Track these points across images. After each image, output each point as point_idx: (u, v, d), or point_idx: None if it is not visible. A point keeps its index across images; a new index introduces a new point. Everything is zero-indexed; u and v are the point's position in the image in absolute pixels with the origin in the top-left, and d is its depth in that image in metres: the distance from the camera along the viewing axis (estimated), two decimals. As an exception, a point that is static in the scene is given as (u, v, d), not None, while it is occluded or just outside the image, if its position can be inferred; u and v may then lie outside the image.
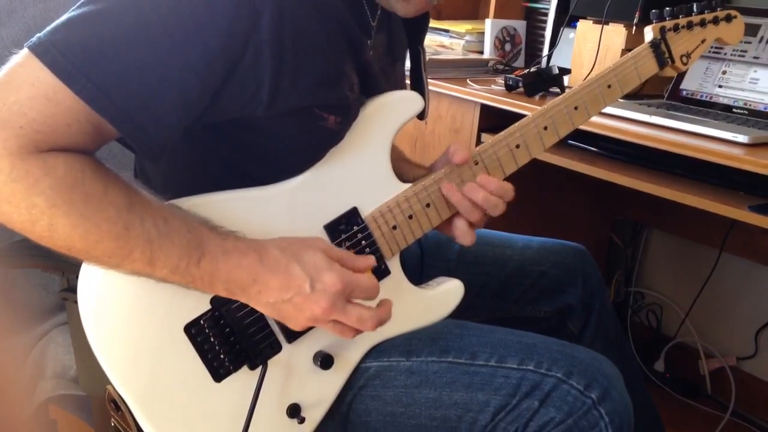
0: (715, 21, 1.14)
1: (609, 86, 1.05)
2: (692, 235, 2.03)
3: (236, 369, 0.89)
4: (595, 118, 1.42)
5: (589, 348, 0.98)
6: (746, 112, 1.47)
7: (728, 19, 1.15)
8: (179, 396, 0.88)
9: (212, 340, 0.88)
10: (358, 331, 0.86)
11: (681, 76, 1.59)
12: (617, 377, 0.93)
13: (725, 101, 1.51)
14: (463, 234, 0.99)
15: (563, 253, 1.24)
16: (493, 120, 1.66)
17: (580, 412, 0.88)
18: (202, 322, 0.87)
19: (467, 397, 0.92)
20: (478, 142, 1.70)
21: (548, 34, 1.89)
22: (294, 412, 0.92)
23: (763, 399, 1.96)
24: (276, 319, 0.87)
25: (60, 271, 1.01)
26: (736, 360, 2.01)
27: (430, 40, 2.14)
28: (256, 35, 0.78)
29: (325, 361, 0.91)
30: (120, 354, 0.86)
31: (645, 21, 1.14)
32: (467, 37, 2.08)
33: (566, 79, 1.67)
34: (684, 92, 1.58)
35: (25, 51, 0.73)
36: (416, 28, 1.06)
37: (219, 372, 0.88)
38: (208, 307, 0.87)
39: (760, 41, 1.50)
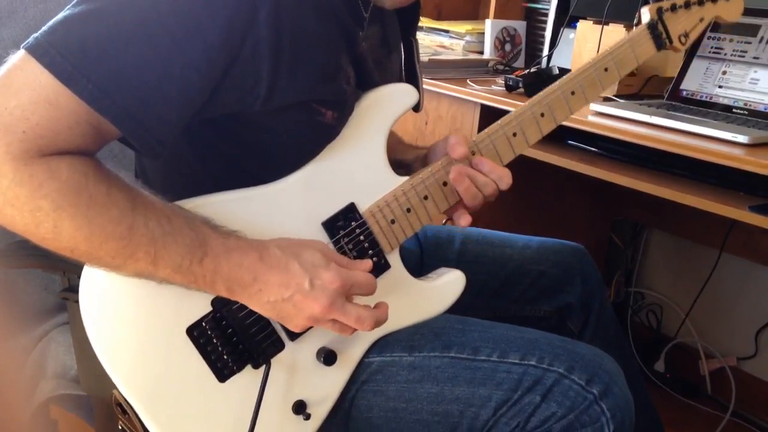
0: None
1: (606, 69, 1.03)
2: (692, 236, 2.03)
3: (240, 369, 0.89)
4: (595, 119, 1.43)
5: (590, 345, 0.98)
6: (746, 112, 1.47)
7: None
8: (184, 398, 0.88)
9: (215, 341, 0.88)
10: (356, 329, 0.86)
11: (681, 76, 1.59)
12: (618, 373, 0.93)
13: (725, 101, 1.51)
14: (467, 223, 0.99)
15: (563, 253, 1.24)
16: (494, 120, 1.66)
17: (582, 407, 0.89)
18: (203, 323, 0.87)
19: (469, 392, 0.92)
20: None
21: (548, 34, 1.90)
22: (299, 408, 0.92)
23: (764, 399, 1.96)
24: (276, 320, 0.87)
25: (60, 271, 1.01)
26: (737, 360, 2.01)
27: (430, 41, 2.14)
28: (254, 30, 0.78)
29: (328, 357, 0.91)
30: (124, 358, 0.86)
31: (645, 20, 1.14)
32: (467, 38, 2.09)
33: (566, 80, 1.67)
34: (684, 92, 1.58)
35: (22, 53, 0.73)
36: (407, 19, 1.06)
37: (223, 372, 0.89)
38: (210, 308, 0.87)
39: (760, 41, 1.50)
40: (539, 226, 1.84)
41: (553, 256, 1.23)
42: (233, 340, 0.88)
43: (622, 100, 1.56)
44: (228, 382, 0.89)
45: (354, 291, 0.85)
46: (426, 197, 0.97)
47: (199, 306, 0.87)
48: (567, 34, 1.81)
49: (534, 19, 2.09)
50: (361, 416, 0.96)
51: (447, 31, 2.14)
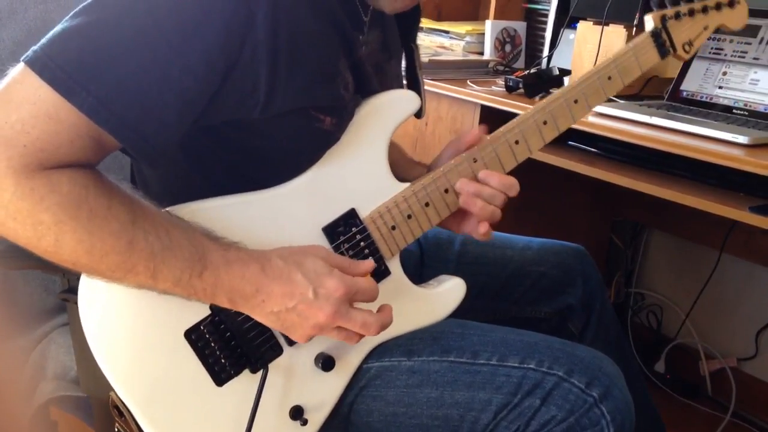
0: (718, 7, 1.12)
1: (609, 78, 1.03)
2: (692, 236, 2.03)
3: (237, 373, 0.89)
4: (595, 119, 1.43)
5: (590, 348, 0.98)
6: (746, 113, 1.47)
7: (731, 4, 1.13)
8: (182, 401, 0.88)
9: (213, 345, 0.88)
10: (362, 336, 0.86)
11: (681, 77, 1.59)
12: (618, 376, 0.93)
13: (725, 102, 1.51)
14: (485, 232, 0.99)
15: (563, 254, 1.24)
16: (494, 121, 1.65)
17: (582, 410, 0.89)
18: (202, 327, 0.87)
19: (469, 396, 0.92)
20: (479, 143, 1.70)
21: (548, 35, 1.89)
22: (296, 414, 0.92)
23: (764, 400, 1.96)
24: (280, 331, 0.87)
25: (60, 272, 1.01)
26: (737, 361, 2.01)
27: (430, 41, 2.14)
28: (252, 34, 0.78)
29: (326, 363, 0.91)
30: (122, 361, 0.86)
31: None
32: (467, 38, 2.09)
33: (566, 80, 1.67)
34: (684, 93, 1.58)
35: (22, 66, 0.73)
36: (407, 24, 1.06)
37: (220, 376, 0.88)
38: (208, 312, 0.87)
39: (761, 42, 1.50)
40: (539, 226, 1.84)
41: (554, 258, 1.23)
42: (231, 344, 0.88)
43: (622, 101, 1.55)
44: (225, 386, 0.89)
45: (357, 297, 0.85)
46: (427, 204, 0.97)
47: (198, 310, 0.87)
48: (567, 35, 1.81)
49: (534, 19, 2.09)
50: (361, 421, 0.96)
51: (447, 32, 2.13)
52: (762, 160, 1.18)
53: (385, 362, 0.95)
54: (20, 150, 0.71)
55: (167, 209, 0.85)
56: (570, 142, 1.52)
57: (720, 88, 1.53)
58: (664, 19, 1.07)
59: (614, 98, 1.58)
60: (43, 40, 0.74)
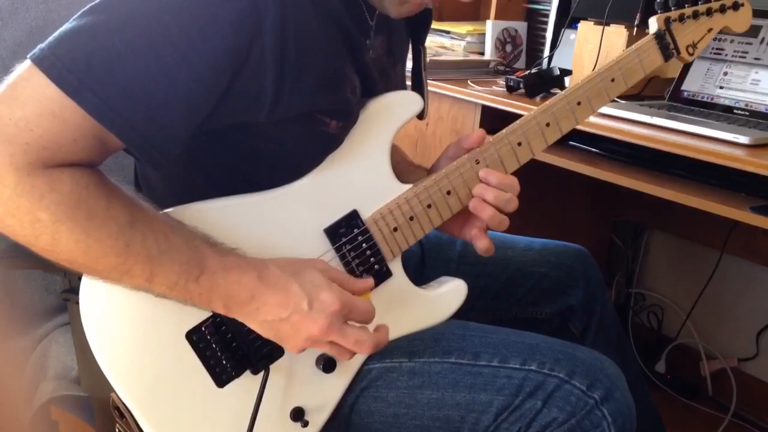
0: (722, 9, 1.12)
1: (613, 80, 1.03)
2: (693, 237, 2.03)
3: (239, 374, 0.89)
4: (596, 119, 1.43)
5: (591, 349, 0.98)
6: (747, 113, 1.46)
7: (735, 6, 1.13)
8: (183, 402, 0.88)
9: (214, 346, 0.88)
10: (354, 353, 0.86)
11: (682, 77, 1.59)
12: (620, 377, 0.93)
13: (726, 102, 1.51)
14: (486, 250, 1.00)
15: (564, 255, 1.24)
16: (495, 121, 1.66)
17: (583, 412, 0.89)
18: (203, 328, 0.87)
19: (470, 397, 0.92)
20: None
21: (549, 35, 1.89)
22: (297, 415, 0.92)
23: (764, 400, 1.96)
24: (274, 340, 0.87)
25: (61, 272, 1.01)
26: (737, 361, 2.01)
27: (431, 42, 2.14)
28: (259, 41, 0.78)
29: (327, 364, 0.91)
30: (123, 362, 0.86)
31: (646, 22, 1.13)
32: (468, 39, 2.08)
33: (567, 80, 1.67)
34: (685, 93, 1.58)
35: (28, 63, 0.73)
36: (419, 26, 1.06)
37: (222, 378, 0.89)
38: (209, 313, 0.87)
39: (761, 42, 1.50)
40: (540, 227, 1.84)
41: (555, 258, 1.23)
42: (233, 345, 0.88)
43: (623, 101, 1.55)
44: (226, 387, 0.89)
45: (352, 316, 0.85)
46: (429, 205, 0.97)
47: (199, 311, 0.87)
48: (568, 35, 1.81)
49: (535, 20, 2.09)
50: (362, 422, 0.96)
51: (448, 32, 2.13)
52: (763, 160, 1.18)
53: (386, 363, 0.95)
54: (23, 147, 0.71)
55: (169, 210, 0.85)
56: (571, 142, 1.52)
57: (721, 88, 1.53)
58: (668, 22, 1.07)
59: (615, 98, 1.58)
60: (51, 39, 0.74)
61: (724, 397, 2.01)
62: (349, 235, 0.93)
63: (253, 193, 0.89)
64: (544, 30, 1.98)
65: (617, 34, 1.62)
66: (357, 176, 0.93)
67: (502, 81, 1.73)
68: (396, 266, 0.97)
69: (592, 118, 1.43)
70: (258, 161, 0.91)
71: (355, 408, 0.96)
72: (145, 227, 0.78)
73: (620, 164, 1.45)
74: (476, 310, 1.16)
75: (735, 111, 1.48)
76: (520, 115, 1.01)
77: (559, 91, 1.63)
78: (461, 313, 1.01)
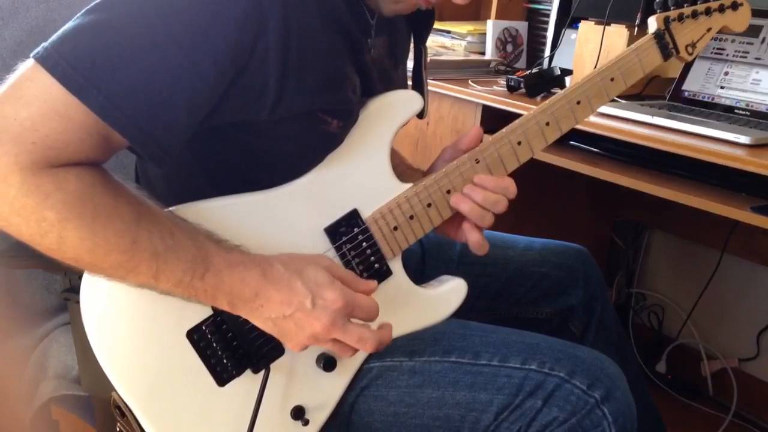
0: (721, 9, 1.12)
1: (612, 79, 1.02)
2: (694, 236, 2.03)
3: (239, 373, 0.89)
4: (596, 119, 1.43)
5: (591, 349, 0.98)
6: (748, 113, 1.46)
7: (734, 6, 1.13)
8: (183, 401, 0.88)
9: (215, 345, 0.88)
10: (357, 350, 0.86)
11: (683, 77, 1.59)
12: (620, 377, 0.93)
13: (727, 102, 1.51)
14: (479, 245, 0.98)
15: (565, 255, 1.24)
16: (495, 121, 1.66)
17: (584, 411, 0.89)
18: (204, 327, 0.87)
19: (470, 396, 0.92)
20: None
21: (550, 35, 1.89)
22: (298, 414, 0.92)
23: (765, 400, 1.96)
24: (277, 338, 0.87)
25: (62, 271, 1.01)
26: (738, 361, 2.01)
27: (432, 41, 2.14)
28: (263, 39, 0.78)
29: (327, 363, 0.91)
30: (123, 361, 0.86)
31: (647, 22, 1.13)
32: (469, 38, 2.08)
33: (568, 80, 1.67)
34: (686, 93, 1.58)
35: (32, 62, 0.73)
36: (421, 26, 1.06)
37: (222, 376, 0.89)
38: (210, 312, 0.87)
39: (762, 42, 1.50)
40: (541, 226, 1.84)
41: (555, 258, 1.23)
42: (233, 344, 0.88)
43: (624, 101, 1.55)
44: (227, 386, 0.89)
45: (356, 313, 0.85)
46: (429, 204, 0.97)
47: (200, 310, 0.87)
48: (569, 35, 1.81)
49: (535, 19, 2.09)
50: (362, 421, 0.96)
51: (448, 32, 2.13)
52: (764, 160, 1.18)
53: (386, 362, 0.95)
54: (28, 147, 0.71)
55: (171, 209, 0.85)
56: (571, 142, 1.52)
57: (722, 88, 1.53)
58: (667, 21, 1.07)
59: (616, 98, 1.58)
60: (54, 37, 0.74)
61: (725, 397, 2.01)
62: (349, 234, 0.93)
63: (252, 193, 0.89)
64: (545, 30, 1.98)
65: (618, 33, 1.62)
66: (357, 175, 0.93)
67: (502, 81, 1.73)
68: (396, 265, 0.97)
69: (593, 118, 1.43)
70: (259, 160, 0.91)
71: (355, 407, 0.96)
72: (151, 225, 0.78)
73: (621, 164, 1.45)
74: (476, 310, 1.16)
75: (736, 111, 1.48)
76: (521, 115, 1.01)
77: (559, 91, 1.64)
78: (461, 313, 1.01)
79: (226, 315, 0.87)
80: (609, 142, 1.45)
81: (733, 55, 1.53)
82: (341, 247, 0.92)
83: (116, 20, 0.74)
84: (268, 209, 0.90)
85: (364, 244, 0.93)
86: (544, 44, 1.96)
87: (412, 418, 0.94)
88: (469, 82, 1.77)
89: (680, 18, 1.08)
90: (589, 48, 1.67)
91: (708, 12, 1.10)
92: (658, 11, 1.08)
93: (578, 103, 1.01)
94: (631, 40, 1.60)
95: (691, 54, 1.10)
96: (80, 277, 0.86)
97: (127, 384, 0.86)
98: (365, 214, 0.94)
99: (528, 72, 1.69)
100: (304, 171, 0.91)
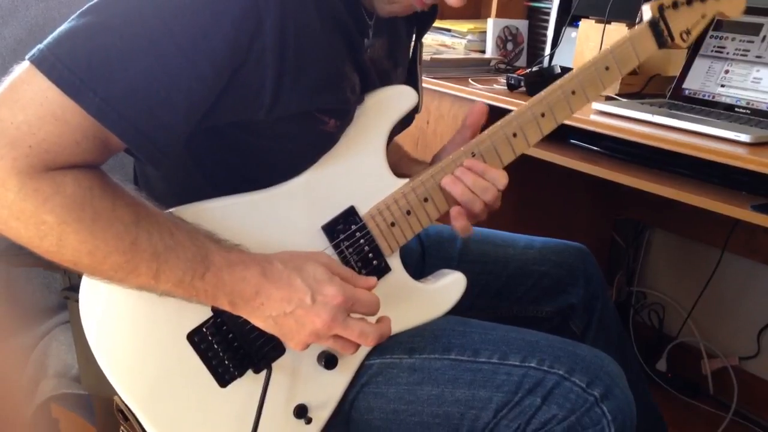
0: None
1: (607, 68, 1.02)
2: (694, 235, 2.02)
3: (241, 374, 0.89)
4: (597, 117, 1.43)
5: (591, 347, 0.98)
6: (749, 111, 1.46)
7: None
8: (186, 403, 0.88)
9: (215, 346, 0.88)
10: (358, 346, 0.86)
11: (683, 75, 1.59)
12: (620, 375, 0.93)
13: (728, 100, 1.51)
14: (463, 230, 0.97)
15: (565, 253, 1.24)
16: (495, 119, 1.66)
17: (583, 409, 0.89)
18: (204, 329, 0.87)
19: (469, 394, 0.92)
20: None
21: (550, 33, 1.89)
22: (301, 412, 0.92)
23: (766, 399, 1.96)
24: (278, 336, 0.87)
25: (62, 270, 1.01)
26: (739, 360, 2.01)
27: (432, 39, 2.14)
28: (260, 39, 0.78)
29: (329, 361, 0.91)
30: (124, 364, 0.86)
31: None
32: (469, 37, 2.08)
33: (568, 79, 1.67)
34: (686, 91, 1.58)
35: (27, 65, 0.73)
36: (423, 23, 1.05)
37: (224, 377, 0.89)
38: (210, 314, 0.87)
39: (763, 40, 1.49)
40: (541, 225, 1.84)
41: (556, 257, 1.23)
42: (234, 345, 0.88)
43: (624, 99, 1.55)
44: (229, 387, 0.89)
45: (356, 308, 0.85)
46: (426, 199, 0.96)
47: (200, 311, 0.87)
48: (569, 33, 1.81)
49: (536, 18, 2.09)
50: (361, 418, 0.96)
51: (449, 30, 2.13)
52: (764, 159, 1.18)
53: (386, 359, 0.95)
54: (26, 151, 0.71)
55: (170, 210, 0.85)
56: (572, 141, 1.52)
57: (722, 86, 1.53)
58: (661, 9, 1.06)
59: (616, 96, 1.58)
60: (49, 39, 0.73)
61: (726, 396, 2.01)
62: (346, 231, 0.93)
63: (250, 192, 0.89)
64: (545, 28, 1.98)
65: (618, 32, 1.62)
66: (353, 172, 0.93)
67: (503, 79, 1.73)
68: (394, 261, 0.97)
69: (593, 117, 1.43)
70: (256, 160, 0.91)
71: (355, 404, 0.96)
72: (150, 225, 0.78)
73: (621, 162, 1.44)
74: (477, 308, 1.16)
75: (736, 109, 1.48)
76: (521, 114, 1.01)
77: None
78: (462, 311, 1.01)
79: (226, 316, 0.87)
80: (609, 140, 1.45)
81: (734, 54, 1.53)
82: (339, 244, 0.92)
83: (112, 21, 0.74)
84: (266, 208, 0.90)
85: (361, 241, 0.93)
86: (544, 43, 1.96)
87: (412, 415, 0.94)
88: (470, 80, 1.77)
89: (675, 5, 1.07)
90: (590, 46, 1.67)
91: None
92: None
93: (573, 93, 1.00)
94: (632, 38, 1.60)
95: (685, 41, 1.08)
96: (80, 276, 0.86)
97: (127, 387, 0.86)
98: (362, 210, 0.94)
99: (528, 70, 1.69)
100: (302, 168, 0.91)
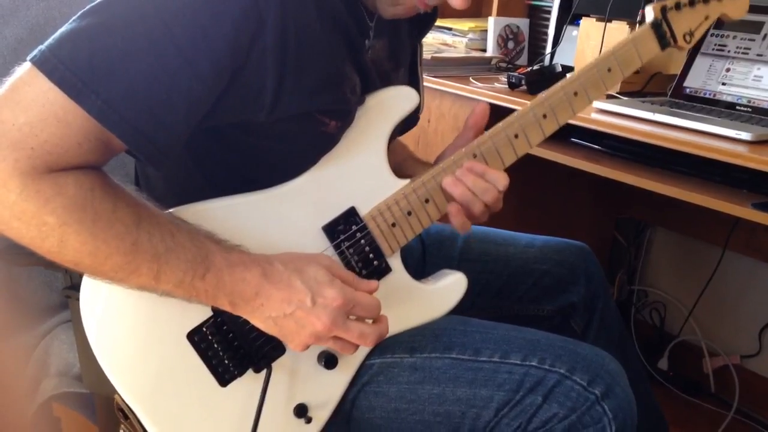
0: None
1: (609, 70, 1.01)
2: (696, 233, 2.02)
3: (241, 373, 0.89)
4: (598, 116, 1.42)
5: (592, 345, 0.98)
6: (750, 109, 1.46)
7: None
8: (186, 402, 0.88)
9: (215, 346, 0.88)
10: (358, 346, 0.86)
11: (684, 73, 1.59)
12: (620, 373, 0.93)
13: (729, 99, 1.51)
14: (461, 228, 0.97)
15: (566, 252, 1.23)
16: (496, 118, 1.66)
17: (584, 407, 0.89)
18: (204, 329, 0.87)
19: (470, 392, 0.92)
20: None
21: (551, 32, 1.89)
22: (301, 412, 0.92)
23: (767, 397, 1.96)
24: (279, 338, 0.87)
25: (63, 269, 1.01)
26: (740, 358, 2.01)
27: (433, 38, 2.14)
28: (260, 41, 0.78)
29: (329, 361, 0.91)
30: (125, 364, 0.86)
31: (648, 19, 1.13)
32: (470, 35, 2.08)
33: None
34: (687, 90, 1.58)
35: (29, 66, 0.73)
36: (423, 24, 1.05)
37: (224, 377, 0.89)
38: (210, 313, 0.88)
39: (764, 38, 1.49)
40: (542, 224, 1.84)
41: (557, 256, 1.22)
42: (234, 344, 0.88)
43: (625, 98, 1.55)
44: (229, 386, 0.89)
45: (356, 311, 0.85)
46: (427, 200, 0.96)
47: (200, 311, 0.87)
48: (570, 32, 1.81)
49: (537, 16, 2.09)
50: (362, 417, 0.96)
51: (450, 29, 2.13)
52: (765, 157, 1.18)
53: (387, 359, 0.95)
54: (28, 152, 0.71)
55: (171, 210, 0.85)
56: (573, 139, 1.52)
57: (723, 84, 1.52)
58: (664, 10, 1.05)
59: (617, 95, 1.58)
60: (51, 40, 0.73)
61: (727, 394, 2.00)
62: (347, 231, 0.93)
63: (250, 193, 0.89)
64: (546, 27, 1.98)
65: (619, 30, 1.62)
66: (354, 173, 0.93)
67: (504, 78, 1.73)
68: (395, 262, 0.97)
69: (595, 115, 1.43)
70: (257, 160, 0.91)
71: (356, 403, 0.96)
72: (151, 226, 0.78)
73: (622, 161, 1.44)
74: (477, 307, 1.16)
75: (737, 107, 1.48)
76: (522, 113, 1.00)
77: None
78: (462, 310, 1.01)
79: (226, 316, 0.87)
80: (611, 139, 1.45)
81: (735, 52, 1.53)
82: (340, 245, 0.92)
83: (114, 22, 0.74)
84: (266, 209, 0.90)
85: (362, 241, 0.93)
86: (545, 41, 1.96)
87: (413, 414, 0.94)
88: (471, 79, 1.77)
89: (677, 6, 1.06)
90: (591, 45, 1.67)
91: (705, 0, 1.09)
92: (654, 0, 1.07)
93: (575, 94, 1.00)
94: (633, 36, 1.60)
95: (689, 42, 1.08)
96: (81, 275, 0.86)
97: (128, 386, 0.87)
98: (363, 211, 0.94)
99: (529, 69, 1.69)
100: (303, 169, 0.91)
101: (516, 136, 0.98)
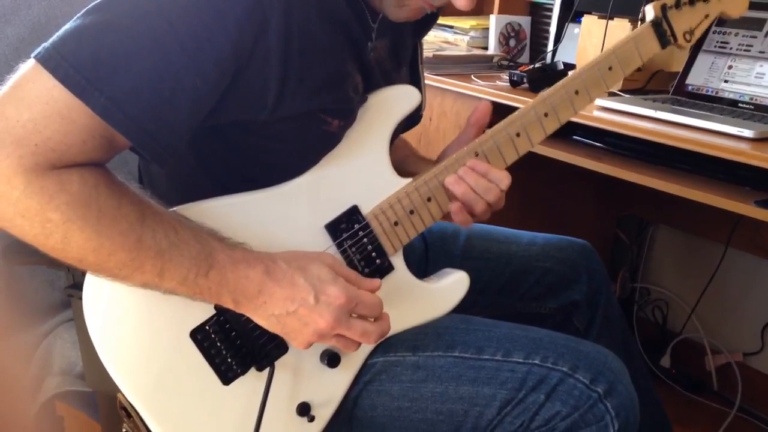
0: None
1: (610, 68, 1.02)
2: (698, 231, 2.02)
3: (244, 372, 0.89)
4: (600, 114, 1.42)
5: (594, 343, 0.98)
6: (752, 106, 1.46)
7: None
8: (189, 401, 0.88)
9: (218, 344, 0.88)
10: (360, 344, 0.87)
11: (686, 71, 1.59)
12: (623, 371, 0.93)
13: (731, 96, 1.50)
14: (462, 221, 0.97)
15: (568, 250, 1.23)
16: (498, 116, 1.66)
17: (586, 405, 0.89)
18: (207, 327, 0.88)
19: (473, 391, 0.92)
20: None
21: (553, 29, 1.89)
22: (304, 410, 0.92)
23: (770, 395, 1.96)
24: (282, 336, 0.87)
25: (65, 268, 1.01)
26: (743, 356, 2.01)
27: (435, 36, 2.14)
28: (263, 40, 0.78)
29: (332, 359, 0.92)
30: (127, 362, 0.86)
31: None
32: (472, 33, 2.08)
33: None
34: (689, 87, 1.57)
35: (33, 63, 0.73)
36: (424, 24, 1.05)
37: (227, 375, 0.89)
38: (213, 312, 0.88)
39: (766, 36, 1.49)
40: (544, 222, 1.84)
41: (559, 253, 1.22)
42: (237, 343, 0.88)
43: (627, 95, 1.55)
44: (232, 384, 0.89)
45: (358, 310, 0.85)
46: (429, 199, 0.96)
47: (203, 309, 0.87)
48: (572, 29, 1.80)
49: (538, 14, 2.09)
50: (365, 416, 0.96)
51: (451, 27, 2.13)
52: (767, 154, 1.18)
53: (390, 357, 0.95)
54: (31, 149, 0.71)
55: (174, 209, 0.85)
56: (575, 137, 1.52)
57: (725, 81, 1.52)
58: (664, 9, 1.06)
59: (619, 92, 1.58)
60: (55, 38, 0.73)
61: (730, 392, 2.00)
62: (350, 230, 0.93)
63: (254, 191, 0.90)
64: (548, 24, 1.98)
65: (621, 28, 1.62)
66: (357, 172, 0.93)
67: (505, 76, 1.73)
68: (397, 260, 0.97)
69: (597, 113, 1.43)
70: (260, 159, 0.91)
71: (358, 402, 0.96)
72: (154, 223, 0.78)
73: (624, 159, 1.44)
74: (480, 305, 1.16)
75: (740, 105, 1.48)
76: (524, 111, 1.00)
77: (561, 85, 1.63)
78: (464, 308, 1.01)
79: (229, 314, 0.87)
80: (612, 136, 1.45)
81: (737, 49, 1.53)
82: (342, 243, 0.92)
83: (118, 20, 0.74)
84: (269, 207, 0.90)
85: (365, 240, 0.93)
86: (547, 39, 1.96)
87: (416, 412, 0.94)
88: (472, 77, 1.77)
89: (677, 5, 1.06)
90: (593, 42, 1.67)
91: None
92: None
93: (576, 93, 1.00)
94: (634, 34, 1.60)
95: (689, 41, 1.08)
96: (83, 274, 0.86)
97: (131, 384, 0.87)
98: (365, 209, 0.94)
99: (531, 67, 1.69)
100: (305, 168, 0.91)
101: (518, 135, 0.98)
